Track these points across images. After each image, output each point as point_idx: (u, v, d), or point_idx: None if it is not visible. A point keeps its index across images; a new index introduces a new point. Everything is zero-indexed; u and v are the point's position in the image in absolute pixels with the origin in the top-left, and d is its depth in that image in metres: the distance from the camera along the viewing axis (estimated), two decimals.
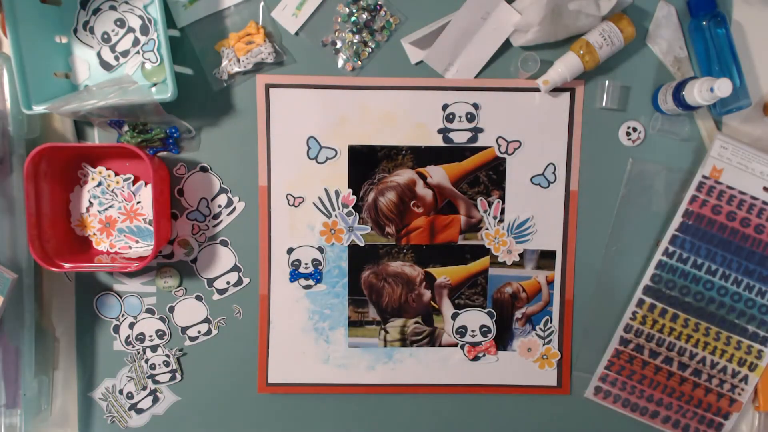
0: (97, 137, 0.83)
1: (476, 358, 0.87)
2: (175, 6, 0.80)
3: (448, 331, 0.86)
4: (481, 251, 0.85)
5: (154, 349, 0.86)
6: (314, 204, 0.84)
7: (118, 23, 0.80)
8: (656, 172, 0.84)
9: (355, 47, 0.81)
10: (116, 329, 0.86)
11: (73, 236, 0.83)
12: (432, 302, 0.86)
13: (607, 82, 0.82)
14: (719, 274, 0.83)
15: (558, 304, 0.86)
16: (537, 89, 0.82)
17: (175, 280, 0.85)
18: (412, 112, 0.83)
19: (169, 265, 0.85)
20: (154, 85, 0.80)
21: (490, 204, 0.84)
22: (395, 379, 0.87)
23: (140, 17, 0.79)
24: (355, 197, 0.84)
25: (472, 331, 0.86)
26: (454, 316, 0.86)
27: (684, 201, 0.82)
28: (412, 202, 0.84)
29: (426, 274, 0.85)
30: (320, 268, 0.85)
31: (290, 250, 0.85)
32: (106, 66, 0.81)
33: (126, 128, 0.81)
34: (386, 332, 0.86)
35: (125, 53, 0.81)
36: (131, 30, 0.80)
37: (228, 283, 0.85)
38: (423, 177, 0.84)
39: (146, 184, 0.83)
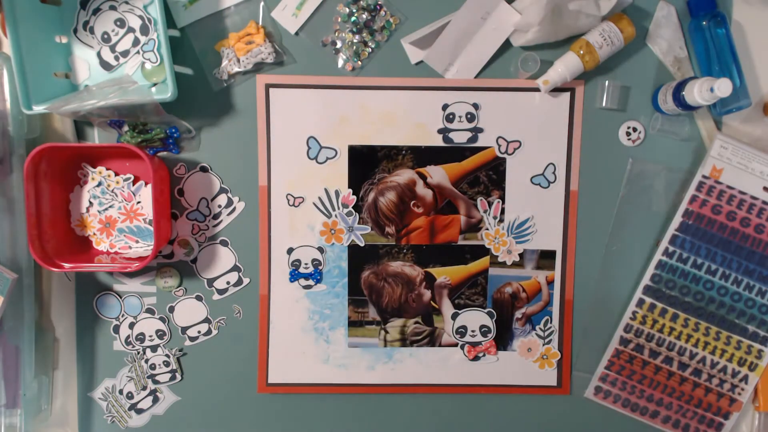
0: (97, 137, 0.83)
1: (476, 358, 0.87)
2: (175, 6, 0.80)
3: (448, 331, 0.86)
4: (481, 251, 0.85)
5: (154, 349, 0.86)
6: (314, 204, 0.84)
7: (118, 23, 0.80)
8: (656, 172, 0.84)
9: (355, 47, 0.81)
10: (116, 329, 0.86)
11: (73, 236, 0.83)
12: (432, 302, 0.86)
13: (607, 82, 0.82)
14: (719, 274, 0.83)
15: (558, 304, 0.86)
16: (537, 89, 0.82)
17: (175, 280, 0.85)
18: (412, 112, 0.83)
19: (169, 265, 0.85)
20: (154, 85, 0.80)
21: (490, 204, 0.84)
22: (395, 379, 0.87)
23: (140, 17, 0.79)
24: (355, 197, 0.84)
25: (472, 331, 0.86)
26: (454, 316, 0.86)
27: (684, 201, 0.82)
28: (412, 202, 0.84)
29: (426, 274, 0.85)
30: (320, 268, 0.85)
31: (290, 250, 0.85)
32: (106, 66, 0.81)
33: (126, 128, 0.81)
34: (386, 332, 0.86)
35: (125, 53, 0.81)
36: (131, 30, 0.80)
37: (228, 283, 0.85)
38: (423, 177, 0.84)
39: (146, 184, 0.83)
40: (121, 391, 0.87)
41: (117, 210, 0.83)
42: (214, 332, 0.86)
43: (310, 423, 0.88)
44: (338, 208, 0.84)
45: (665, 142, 0.84)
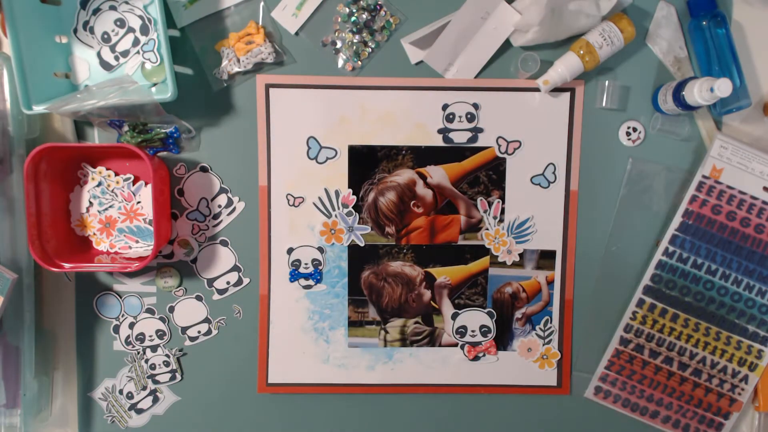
0: (97, 137, 0.83)
1: (476, 358, 0.87)
2: (175, 6, 0.80)
3: (448, 331, 0.86)
4: (481, 251, 0.85)
5: (154, 349, 0.86)
6: (314, 204, 0.84)
7: (118, 23, 0.80)
8: (656, 172, 0.84)
9: (355, 47, 0.81)
10: (116, 329, 0.86)
11: (73, 236, 0.83)
12: (432, 302, 0.86)
13: (607, 82, 0.82)
14: (719, 274, 0.83)
15: (558, 304, 0.86)
16: (537, 89, 0.82)
17: (175, 280, 0.85)
18: (412, 112, 0.83)
19: (169, 265, 0.85)
20: (154, 85, 0.80)
21: (490, 204, 0.84)
22: (395, 379, 0.87)
23: (140, 17, 0.79)
24: (355, 197, 0.84)
25: (472, 331, 0.86)
26: (454, 316, 0.86)
27: (684, 201, 0.82)
28: (412, 202, 0.84)
29: (426, 274, 0.85)
30: (320, 268, 0.85)
31: (290, 250, 0.85)
32: (106, 66, 0.81)
33: (126, 128, 0.81)
34: (386, 332, 0.86)
35: (125, 53, 0.81)
36: (131, 30, 0.80)
37: (228, 283, 0.85)
38: (423, 177, 0.84)
39: (146, 184, 0.83)
40: (121, 391, 0.87)
41: (117, 210, 0.83)
42: (214, 332, 0.86)
43: (310, 423, 0.88)
44: (338, 208, 0.84)
45: (665, 142, 0.84)
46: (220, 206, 0.84)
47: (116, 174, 0.83)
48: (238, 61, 0.80)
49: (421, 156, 0.83)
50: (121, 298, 0.86)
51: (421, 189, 0.84)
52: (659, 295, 0.84)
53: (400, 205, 0.84)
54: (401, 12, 0.81)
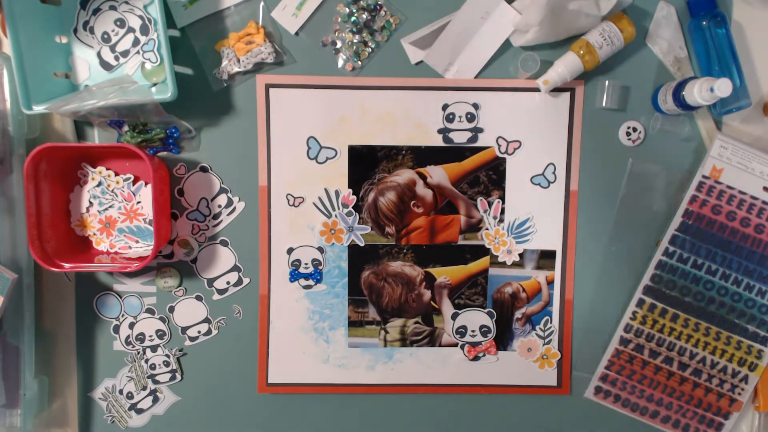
0: (97, 137, 0.83)
1: (476, 358, 0.87)
2: (175, 6, 0.80)
3: (448, 331, 0.86)
4: (481, 251, 0.85)
5: (154, 349, 0.86)
6: (314, 204, 0.84)
7: (118, 23, 0.80)
8: (656, 172, 0.84)
9: (355, 47, 0.81)
10: (116, 329, 0.86)
11: (73, 236, 0.83)
12: (432, 302, 0.86)
13: (607, 82, 0.82)
14: (719, 274, 0.83)
15: (558, 304, 0.86)
16: (537, 89, 0.82)
17: (175, 280, 0.85)
18: (412, 112, 0.83)
19: (169, 265, 0.85)
20: (154, 85, 0.80)
21: (490, 204, 0.84)
22: (395, 379, 0.87)
23: (140, 17, 0.79)
24: (355, 197, 0.84)
25: (472, 331, 0.86)
26: (454, 316, 0.86)
27: (684, 201, 0.82)
28: (412, 202, 0.84)
29: (426, 274, 0.85)
30: (320, 268, 0.85)
31: (290, 250, 0.85)
32: (106, 66, 0.81)
33: (126, 128, 0.81)
34: (386, 332, 0.86)
35: (125, 53, 0.81)
36: (131, 30, 0.80)
37: (228, 283, 0.85)
38: (423, 177, 0.84)
39: (146, 184, 0.83)
40: (121, 391, 0.87)
41: (117, 210, 0.83)
42: (214, 332, 0.86)
43: (310, 423, 0.88)
44: (338, 208, 0.84)
45: (665, 142, 0.84)
46: (220, 206, 0.84)
47: (116, 174, 0.83)
48: (238, 61, 0.80)
49: (421, 156, 0.83)
50: (121, 298, 0.86)
51: (421, 189, 0.84)
52: (659, 295, 0.84)
53: (400, 205, 0.84)
54: (401, 12, 0.81)
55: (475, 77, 0.82)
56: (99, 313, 0.86)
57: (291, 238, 0.84)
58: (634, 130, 0.83)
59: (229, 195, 0.84)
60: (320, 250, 0.85)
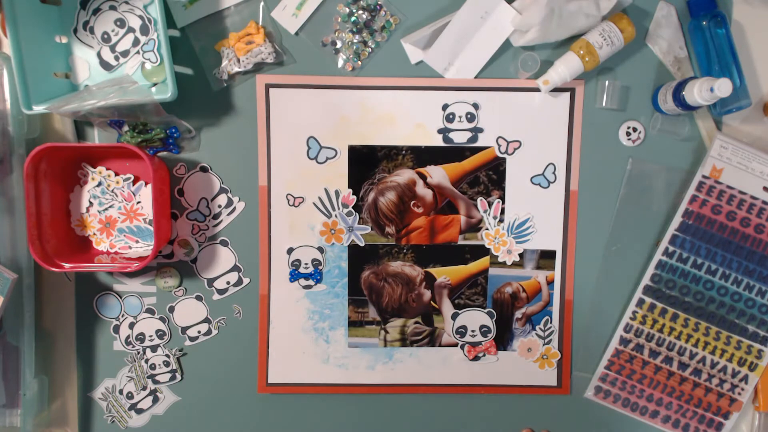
0: (97, 137, 0.83)
1: (476, 358, 0.87)
2: (175, 6, 0.80)
3: (448, 331, 0.86)
4: (481, 251, 0.85)
5: (154, 349, 0.86)
6: (314, 204, 0.84)
7: (118, 23, 0.80)
8: (656, 172, 0.84)
9: (355, 47, 0.81)
10: (116, 329, 0.86)
11: (73, 236, 0.83)
12: (432, 302, 0.86)
13: (607, 82, 0.82)
14: (719, 274, 0.83)
15: (558, 304, 0.86)
16: (537, 89, 0.82)
17: (175, 280, 0.85)
18: (412, 112, 0.83)
19: (169, 265, 0.85)
20: (154, 85, 0.80)
21: (490, 204, 0.84)
22: (395, 379, 0.87)
23: (140, 17, 0.79)
24: (355, 197, 0.84)
25: (472, 331, 0.86)
26: (454, 316, 0.86)
27: (684, 201, 0.82)
28: (412, 202, 0.84)
29: (426, 274, 0.85)
30: (320, 268, 0.85)
31: (290, 250, 0.85)
32: (106, 66, 0.81)
33: (126, 128, 0.81)
34: (386, 332, 0.86)
35: (125, 53, 0.81)
36: (131, 30, 0.80)
37: (228, 283, 0.85)
38: (423, 177, 0.84)
39: (146, 184, 0.83)
40: (121, 391, 0.87)
41: (117, 210, 0.83)
42: (214, 332, 0.86)
43: (310, 423, 0.88)
44: (338, 208, 0.84)
45: (665, 142, 0.84)
46: (220, 206, 0.84)
47: (116, 174, 0.83)
48: (238, 61, 0.80)
49: (421, 156, 0.83)
50: (121, 298, 0.86)
51: (421, 189, 0.84)
52: (659, 295, 0.84)
53: (400, 205, 0.84)
54: (401, 12, 0.81)
55: (475, 77, 0.82)
56: (99, 313, 0.86)
57: (291, 238, 0.84)
58: (634, 130, 0.83)
59: (229, 195, 0.84)
60: (320, 250, 0.85)
